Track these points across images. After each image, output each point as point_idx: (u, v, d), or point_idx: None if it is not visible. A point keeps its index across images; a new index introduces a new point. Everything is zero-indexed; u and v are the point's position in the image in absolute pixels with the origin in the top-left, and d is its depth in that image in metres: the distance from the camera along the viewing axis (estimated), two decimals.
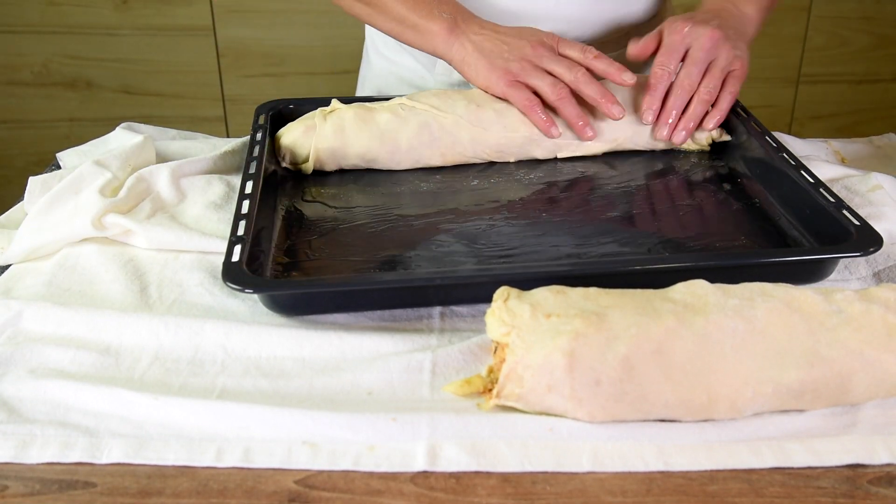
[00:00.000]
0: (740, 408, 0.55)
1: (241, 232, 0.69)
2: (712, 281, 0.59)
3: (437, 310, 0.67)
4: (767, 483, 0.51)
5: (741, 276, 0.60)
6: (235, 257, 0.66)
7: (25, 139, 2.11)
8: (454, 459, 0.52)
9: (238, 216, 0.72)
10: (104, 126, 1.02)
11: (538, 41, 0.86)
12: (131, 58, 2.02)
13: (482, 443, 0.53)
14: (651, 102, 0.86)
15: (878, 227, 0.69)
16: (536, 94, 0.86)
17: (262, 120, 0.90)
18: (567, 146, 0.88)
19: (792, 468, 0.52)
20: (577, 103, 0.85)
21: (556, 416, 0.55)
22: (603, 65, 0.85)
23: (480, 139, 0.87)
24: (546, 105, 0.86)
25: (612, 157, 0.90)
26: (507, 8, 0.98)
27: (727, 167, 0.87)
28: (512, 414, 0.56)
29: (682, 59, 0.86)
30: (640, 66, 1.09)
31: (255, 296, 0.67)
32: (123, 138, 0.93)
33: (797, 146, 0.93)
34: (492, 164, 0.89)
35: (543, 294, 0.58)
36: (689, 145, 0.90)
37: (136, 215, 0.78)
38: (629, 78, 0.85)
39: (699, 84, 0.85)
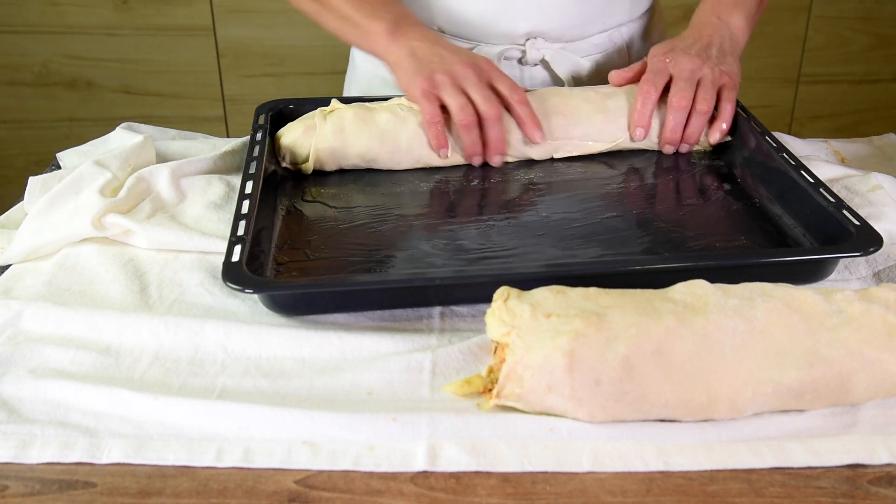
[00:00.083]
0: (740, 408, 0.55)
1: (241, 232, 0.69)
2: (712, 281, 0.59)
3: (437, 310, 0.67)
4: (767, 483, 0.51)
5: (741, 276, 0.60)
6: (235, 257, 0.66)
7: (25, 139, 2.11)
8: (454, 459, 0.52)
9: (238, 216, 0.72)
10: (104, 126, 1.02)
11: (471, 63, 0.85)
12: (131, 58, 2.02)
13: (482, 443, 0.53)
14: (640, 119, 0.87)
15: (878, 227, 0.69)
16: (448, 110, 0.85)
17: (262, 120, 0.90)
18: (563, 146, 0.88)
19: (792, 468, 0.52)
20: (482, 132, 0.85)
21: (556, 416, 0.55)
22: (523, 112, 0.85)
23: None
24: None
25: (612, 156, 0.90)
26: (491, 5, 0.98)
27: (727, 167, 0.87)
28: (512, 414, 0.56)
29: (668, 85, 0.87)
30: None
31: (255, 296, 0.67)
32: (123, 138, 0.93)
33: (797, 146, 0.93)
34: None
35: (543, 294, 0.58)
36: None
37: (136, 215, 0.78)
38: (539, 136, 0.85)
39: (693, 101, 0.86)
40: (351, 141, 0.86)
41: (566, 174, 0.86)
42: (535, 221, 0.77)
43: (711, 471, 0.52)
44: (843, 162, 0.93)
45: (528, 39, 1.00)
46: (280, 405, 0.56)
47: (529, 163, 0.89)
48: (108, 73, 2.04)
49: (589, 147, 0.89)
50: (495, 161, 0.86)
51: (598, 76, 1.03)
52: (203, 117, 2.09)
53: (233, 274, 0.64)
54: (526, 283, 0.60)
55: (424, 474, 0.52)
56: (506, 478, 0.52)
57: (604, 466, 0.52)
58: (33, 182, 0.82)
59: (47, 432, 0.55)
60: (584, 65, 1.02)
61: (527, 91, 0.96)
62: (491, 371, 0.58)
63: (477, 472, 0.52)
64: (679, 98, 0.86)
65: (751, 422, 0.55)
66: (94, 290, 0.70)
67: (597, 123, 0.88)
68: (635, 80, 0.90)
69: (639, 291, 0.58)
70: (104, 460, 0.53)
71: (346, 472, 0.52)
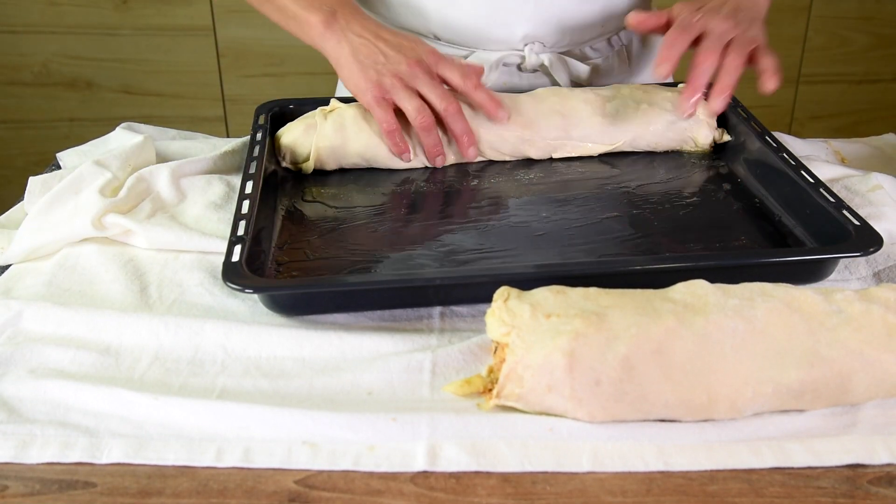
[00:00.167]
0: (740, 408, 0.55)
1: (241, 232, 0.69)
2: (712, 281, 0.59)
3: (437, 310, 0.67)
4: (767, 483, 0.51)
5: (741, 276, 0.60)
6: (235, 257, 0.66)
7: (25, 139, 2.11)
8: (454, 459, 0.52)
9: (238, 216, 0.72)
10: (104, 126, 1.02)
11: (416, 59, 0.82)
12: (131, 58, 2.02)
13: (482, 443, 0.53)
14: (667, 54, 0.83)
15: (878, 227, 0.69)
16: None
17: (262, 120, 0.90)
18: (562, 147, 0.88)
19: (792, 468, 0.52)
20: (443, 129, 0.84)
21: (556, 416, 0.55)
22: (481, 97, 0.83)
23: (477, 138, 0.87)
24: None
25: (612, 156, 0.90)
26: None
27: (727, 167, 0.87)
28: (512, 414, 0.56)
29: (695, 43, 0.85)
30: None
31: (255, 296, 0.67)
32: (123, 138, 0.93)
33: (797, 146, 0.93)
34: (491, 164, 0.89)
35: (543, 294, 0.58)
36: (691, 147, 0.90)
37: (136, 215, 0.78)
38: (503, 115, 0.84)
39: (723, 57, 0.83)
40: (351, 139, 0.86)
41: (565, 174, 0.86)
42: (534, 221, 0.77)
43: (711, 471, 0.52)
44: (843, 162, 0.93)
45: (526, 45, 0.99)
46: (280, 405, 0.56)
47: (528, 162, 0.89)
48: (108, 73, 2.04)
49: (588, 148, 0.89)
50: (470, 154, 0.85)
51: (598, 82, 1.03)
52: (203, 117, 2.09)
53: (233, 274, 0.64)
54: (526, 283, 0.60)
55: (424, 474, 0.52)
56: (506, 478, 0.52)
57: (604, 466, 0.52)
58: (33, 182, 0.82)
59: (47, 432, 0.55)
60: (584, 70, 1.02)
61: (527, 91, 0.96)
62: (491, 371, 0.58)
63: (477, 472, 0.52)
64: (707, 54, 0.82)
65: (751, 422, 0.55)
66: (94, 290, 0.70)
67: (596, 125, 0.88)
68: (656, 27, 0.89)
69: (639, 291, 0.58)
70: (104, 460, 0.53)
71: (346, 473, 0.52)
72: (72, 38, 2.00)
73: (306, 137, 0.86)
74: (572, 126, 0.88)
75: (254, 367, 0.61)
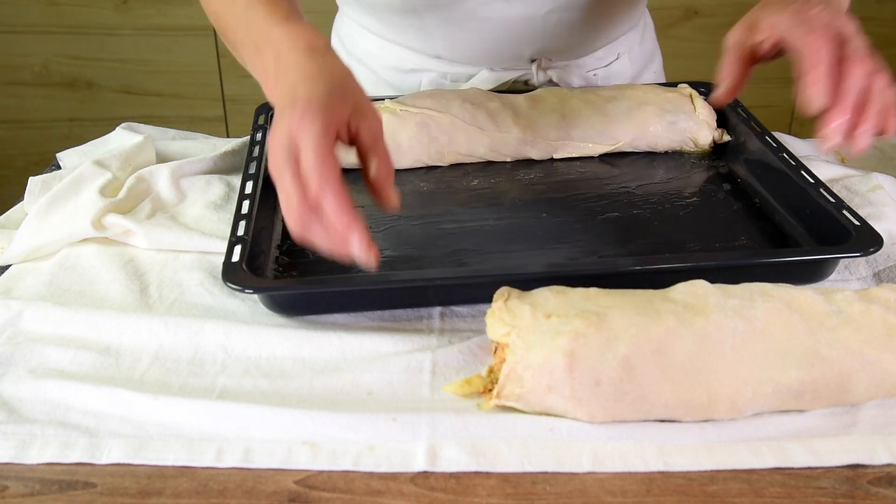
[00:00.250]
0: (740, 408, 0.55)
1: (241, 232, 0.69)
2: (712, 281, 0.59)
3: (437, 310, 0.67)
4: (767, 483, 0.51)
5: (741, 277, 0.60)
6: (235, 257, 0.66)
7: (25, 139, 2.11)
8: (454, 459, 0.52)
9: (238, 216, 0.72)
10: (104, 126, 1.02)
11: (276, 143, 0.57)
12: (131, 58, 2.02)
13: (482, 443, 0.53)
14: (818, 80, 0.65)
15: (878, 227, 0.69)
16: None
17: (261, 120, 0.90)
18: (563, 147, 0.88)
19: (792, 468, 0.52)
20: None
21: (556, 416, 0.55)
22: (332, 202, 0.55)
23: (476, 138, 0.87)
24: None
25: (613, 156, 0.90)
26: (497, 14, 0.95)
27: (727, 167, 0.87)
28: (512, 414, 0.56)
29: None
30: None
31: (255, 296, 0.67)
32: (123, 138, 0.93)
33: (797, 146, 0.93)
34: (491, 163, 0.89)
35: (543, 294, 0.58)
36: (691, 147, 0.90)
37: (136, 215, 0.78)
38: (395, 199, 0.61)
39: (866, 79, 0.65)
40: None
41: (566, 174, 0.86)
42: (534, 221, 0.77)
43: (711, 471, 0.52)
44: (842, 162, 0.93)
45: (532, 61, 0.99)
46: (280, 405, 0.56)
47: (529, 163, 0.89)
48: (108, 73, 2.04)
49: (588, 149, 0.89)
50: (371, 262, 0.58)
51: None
52: (203, 117, 2.09)
53: (233, 274, 0.64)
54: (526, 283, 0.60)
55: (424, 474, 0.52)
56: (506, 478, 0.52)
57: (604, 466, 0.52)
58: (33, 182, 0.82)
59: (47, 432, 0.55)
60: (590, 80, 1.02)
61: (533, 89, 0.97)
62: (491, 371, 0.58)
63: (477, 473, 0.52)
64: (860, 63, 0.64)
65: (751, 422, 0.55)
66: (94, 290, 0.70)
67: (596, 125, 0.88)
68: (743, 79, 0.74)
69: (639, 292, 0.58)
70: (104, 460, 0.53)
71: (346, 473, 0.52)
72: (72, 38, 2.00)
73: None
74: (573, 126, 0.88)
75: (254, 367, 0.61)
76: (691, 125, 0.89)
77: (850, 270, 0.71)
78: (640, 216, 0.78)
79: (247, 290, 0.64)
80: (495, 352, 0.58)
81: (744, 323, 0.55)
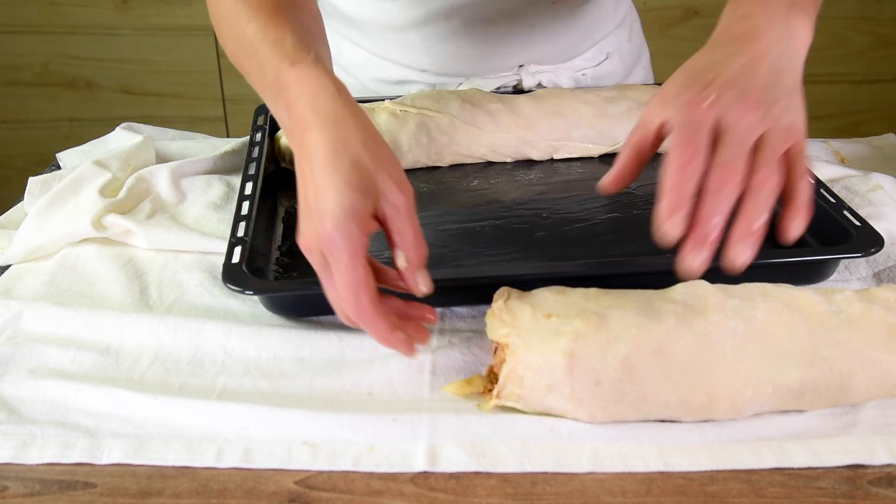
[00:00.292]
0: (740, 408, 0.55)
1: (241, 233, 0.69)
2: (713, 281, 0.59)
3: (437, 310, 0.67)
4: (767, 483, 0.51)
5: (742, 277, 0.60)
6: (235, 258, 0.66)
7: (25, 139, 2.11)
8: (454, 460, 0.52)
9: (238, 217, 0.72)
10: (104, 126, 1.02)
11: (307, 249, 0.56)
12: (131, 58, 2.02)
13: (482, 443, 0.53)
14: (673, 205, 0.53)
15: (878, 227, 0.69)
16: None
17: (261, 121, 0.90)
18: (563, 148, 0.88)
19: (792, 468, 0.52)
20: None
21: (556, 416, 0.55)
22: (371, 330, 0.55)
23: (476, 139, 0.87)
24: None
25: (613, 157, 0.89)
26: (482, 29, 0.94)
27: None
28: (512, 414, 0.56)
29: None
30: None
31: (256, 297, 0.67)
32: (123, 138, 0.93)
33: None
34: (491, 164, 0.89)
35: (544, 294, 0.58)
36: None
37: (136, 216, 0.78)
38: (426, 287, 0.57)
39: (750, 174, 0.54)
40: None
41: (566, 174, 0.86)
42: (535, 222, 0.77)
43: (711, 471, 0.52)
44: (842, 162, 0.93)
45: (521, 66, 0.98)
46: (280, 405, 0.56)
47: (529, 163, 0.89)
48: (108, 73, 2.04)
49: (589, 149, 0.89)
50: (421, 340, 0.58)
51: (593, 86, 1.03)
52: (203, 117, 2.09)
53: (233, 275, 0.64)
54: (526, 283, 0.60)
55: (424, 475, 0.52)
56: (506, 478, 0.52)
57: (604, 467, 0.52)
58: (33, 182, 0.82)
59: (47, 433, 0.55)
60: (581, 80, 1.02)
61: (526, 91, 0.96)
62: (491, 371, 0.58)
63: (477, 473, 0.52)
64: (724, 173, 0.52)
65: (751, 422, 0.55)
66: (94, 291, 0.70)
67: (597, 126, 0.88)
68: (639, 164, 0.61)
69: (639, 292, 0.58)
70: (104, 461, 0.53)
71: (346, 473, 0.52)
72: (72, 38, 2.00)
73: None
74: (573, 127, 0.88)
75: (254, 368, 0.61)
76: None
77: (851, 270, 0.71)
78: (640, 216, 0.78)
79: (247, 292, 0.64)
80: (495, 352, 0.58)
81: (744, 323, 0.55)
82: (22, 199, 0.82)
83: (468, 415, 0.55)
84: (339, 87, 0.59)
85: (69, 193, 0.79)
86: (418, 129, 0.86)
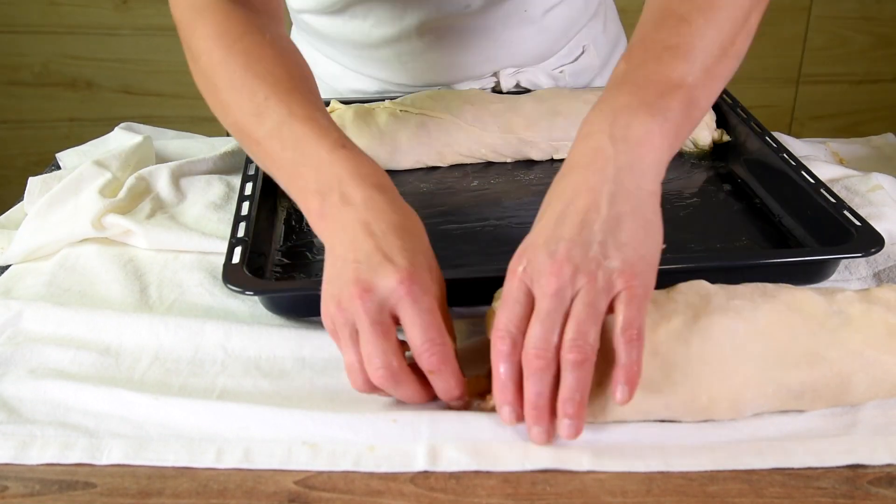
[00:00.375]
0: (740, 408, 0.55)
1: (241, 234, 0.69)
2: (713, 281, 0.59)
3: None
4: (767, 483, 0.51)
5: (742, 277, 0.60)
6: (236, 259, 0.66)
7: (25, 139, 2.11)
8: (454, 460, 0.52)
9: (238, 218, 0.72)
10: (104, 126, 1.02)
11: (367, 289, 0.53)
12: (131, 58, 2.02)
13: (482, 443, 0.53)
14: (504, 396, 0.52)
15: (878, 227, 0.69)
16: None
17: None
18: (563, 148, 0.88)
19: (792, 469, 0.52)
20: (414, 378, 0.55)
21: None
22: (440, 380, 0.54)
23: (476, 139, 0.87)
24: None
25: None
26: (454, 44, 0.94)
27: (727, 168, 0.87)
28: None
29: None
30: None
31: (256, 297, 0.67)
32: (123, 138, 0.93)
33: (797, 146, 0.93)
34: (491, 164, 0.89)
35: None
36: (691, 148, 0.90)
37: (135, 216, 0.78)
38: (457, 404, 0.56)
39: (560, 342, 0.51)
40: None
41: None
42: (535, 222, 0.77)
43: (711, 471, 0.52)
44: (840, 163, 0.93)
45: (498, 70, 0.98)
46: (280, 405, 0.56)
47: (529, 163, 0.89)
48: (108, 73, 2.04)
49: None
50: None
51: (574, 82, 1.03)
52: (203, 117, 2.07)
53: (233, 276, 0.64)
54: None
55: (424, 475, 0.52)
56: (506, 478, 0.52)
57: (604, 466, 0.52)
58: (33, 182, 0.82)
59: (47, 433, 0.55)
60: (558, 78, 1.02)
61: (525, 91, 0.96)
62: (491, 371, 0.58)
63: (477, 473, 0.52)
64: (535, 353, 0.51)
65: (751, 422, 0.55)
66: (94, 291, 0.70)
67: None
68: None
69: None
70: (104, 461, 0.53)
71: (346, 473, 0.52)
72: (72, 38, 2.00)
73: None
74: (573, 127, 0.88)
75: (254, 367, 0.61)
76: (705, 115, 0.89)
77: (851, 270, 0.71)
78: None
79: (247, 292, 0.64)
80: None
81: (744, 323, 0.55)
82: (22, 199, 0.82)
83: (468, 415, 0.55)
84: (391, 183, 0.61)
85: (69, 193, 0.79)
86: (418, 129, 0.86)
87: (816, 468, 0.52)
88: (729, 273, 0.63)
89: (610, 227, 0.52)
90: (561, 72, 1.02)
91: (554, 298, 0.51)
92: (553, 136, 0.88)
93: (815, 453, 0.53)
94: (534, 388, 0.51)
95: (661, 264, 0.67)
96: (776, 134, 0.89)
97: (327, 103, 0.90)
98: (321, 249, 0.73)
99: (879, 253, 0.67)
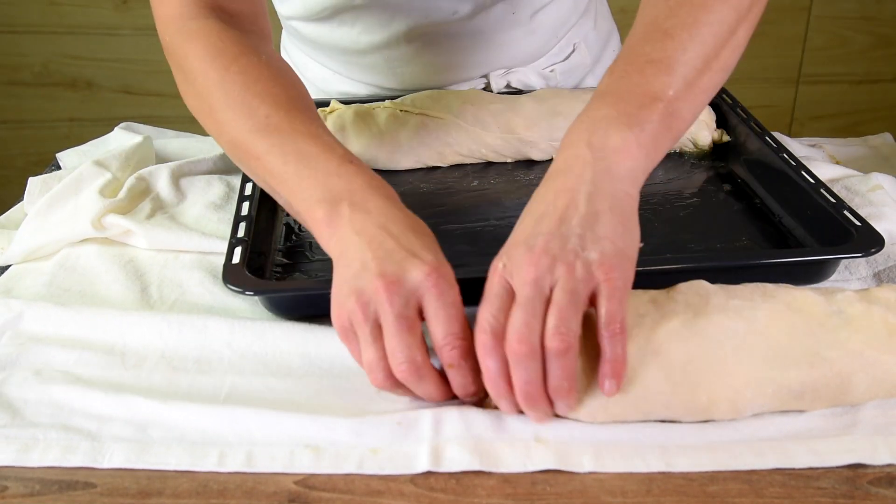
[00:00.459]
0: (740, 408, 0.55)
1: (241, 234, 0.69)
2: (713, 282, 0.59)
3: None
4: (767, 483, 0.51)
5: (742, 277, 0.60)
6: (236, 259, 0.66)
7: (25, 139, 2.11)
8: (457, 460, 0.52)
9: (238, 218, 0.72)
10: (104, 126, 1.02)
11: (393, 282, 0.54)
12: (131, 58, 2.02)
13: (484, 444, 0.53)
14: (497, 390, 0.53)
15: (878, 227, 0.69)
16: None
17: None
18: None
19: (792, 469, 0.52)
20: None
21: (557, 415, 0.55)
22: (458, 375, 0.54)
23: (477, 139, 0.87)
24: None
25: None
26: (445, 48, 0.94)
27: (727, 168, 0.87)
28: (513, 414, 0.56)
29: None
30: None
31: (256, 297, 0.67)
32: (123, 138, 0.93)
33: (797, 146, 0.93)
34: (491, 164, 0.89)
35: None
36: (691, 148, 0.90)
37: (135, 216, 0.78)
38: (470, 401, 0.57)
39: (542, 333, 0.51)
40: (351, 140, 0.86)
41: None
42: None
43: (711, 471, 0.52)
44: (836, 164, 0.93)
45: (489, 72, 0.98)
46: (284, 408, 0.56)
47: (529, 163, 0.89)
48: (108, 73, 2.04)
49: None
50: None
51: (565, 81, 1.03)
52: None
53: (233, 276, 0.64)
54: None
55: (425, 475, 0.52)
56: (506, 478, 0.52)
57: (604, 467, 0.52)
58: (33, 182, 0.82)
59: (49, 436, 0.55)
60: (549, 77, 1.02)
61: (516, 92, 0.96)
62: None
63: (477, 473, 0.52)
64: (517, 339, 0.51)
65: (751, 422, 0.55)
66: (94, 291, 0.70)
67: None
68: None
69: (640, 291, 0.58)
70: (105, 465, 0.53)
71: (346, 473, 0.52)
72: (72, 38, 2.00)
73: None
74: None
75: (261, 365, 0.61)
76: (691, 126, 0.89)
77: (851, 270, 0.71)
78: (640, 217, 0.78)
79: (247, 292, 0.64)
80: None
81: (744, 323, 0.55)
82: (22, 199, 0.82)
83: (471, 415, 0.55)
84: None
85: (69, 193, 0.79)
86: (418, 129, 0.86)
87: (816, 468, 0.52)
88: (729, 273, 0.63)
89: (588, 223, 0.54)
90: (552, 71, 1.02)
91: (533, 286, 0.52)
92: (553, 136, 0.88)
93: (816, 453, 0.53)
94: (521, 376, 0.52)
95: (661, 264, 0.67)
96: (776, 134, 0.89)
97: (327, 103, 0.90)
98: (320, 249, 0.73)
99: (879, 253, 0.67)
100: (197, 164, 0.87)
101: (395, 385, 0.55)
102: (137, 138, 0.90)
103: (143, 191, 0.82)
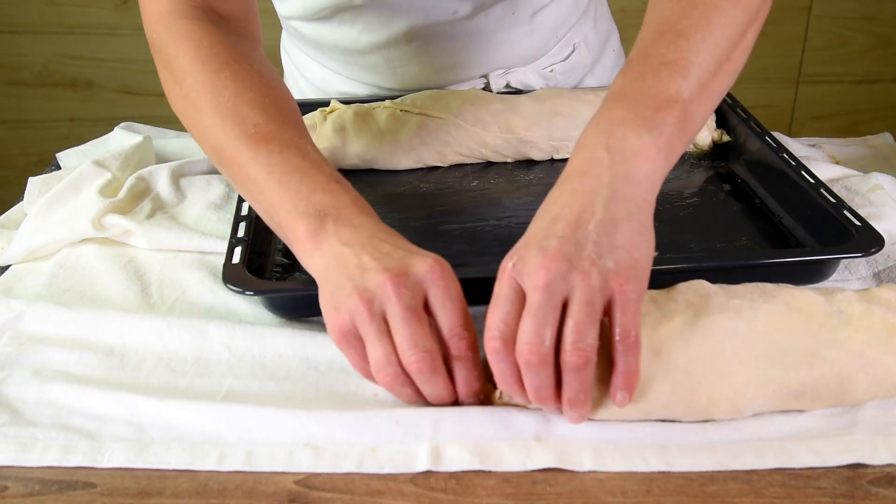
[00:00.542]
0: (740, 408, 0.55)
1: (241, 233, 0.69)
2: (713, 281, 0.59)
3: None
4: (767, 483, 0.51)
5: (742, 277, 0.60)
6: (236, 259, 0.66)
7: (25, 139, 2.11)
8: (457, 459, 0.52)
9: (238, 218, 0.72)
10: (104, 126, 1.02)
11: (399, 274, 0.54)
12: (131, 58, 2.02)
13: (484, 443, 0.53)
14: (510, 391, 0.53)
15: (878, 227, 0.69)
16: None
17: None
18: (564, 148, 0.88)
19: (792, 469, 0.52)
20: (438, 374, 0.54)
21: (557, 415, 0.55)
22: (464, 368, 0.54)
23: (477, 139, 0.87)
24: None
25: None
26: (444, 48, 0.95)
27: (727, 168, 0.87)
28: (513, 414, 0.56)
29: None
30: None
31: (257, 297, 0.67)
32: (123, 138, 0.93)
33: (797, 146, 0.93)
34: (491, 164, 0.89)
35: None
36: (690, 148, 0.90)
37: (135, 216, 0.78)
38: (471, 401, 0.56)
39: (560, 340, 0.50)
40: (351, 140, 0.86)
41: None
42: None
43: (712, 471, 0.52)
44: (836, 164, 0.93)
45: (489, 72, 0.99)
46: (284, 407, 0.56)
47: (529, 163, 0.89)
48: (108, 73, 2.04)
49: None
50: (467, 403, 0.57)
51: (564, 81, 1.03)
52: None
53: (233, 276, 0.64)
54: None
55: (425, 475, 0.52)
56: (506, 478, 0.52)
57: (604, 466, 0.52)
58: (33, 182, 0.82)
59: (49, 436, 0.55)
60: (548, 77, 1.02)
61: (524, 91, 0.96)
62: None
63: (477, 473, 0.52)
64: (528, 350, 0.50)
65: (751, 422, 0.55)
66: (94, 291, 0.70)
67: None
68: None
69: None
70: (105, 464, 0.53)
71: (346, 473, 0.52)
72: (72, 38, 2.00)
73: None
74: (573, 127, 0.88)
75: (259, 368, 0.61)
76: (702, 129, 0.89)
77: (851, 270, 0.71)
78: None
79: (247, 292, 0.64)
80: None
81: (744, 323, 0.55)
82: (22, 199, 0.82)
83: (470, 415, 0.55)
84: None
85: (69, 193, 0.79)
86: (418, 129, 0.86)
87: (816, 468, 0.52)
88: (729, 273, 0.63)
89: (605, 230, 0.52)
90: (551, 70, 1.02)
91: (544, 291, 0.50)
92: (553, 136, 0.88)
93: (816, 453, 0.53)
94: (532, 383, 0.51)
95: (661, 264, 0.67)
96: (776, 134, 0.89)
97: (326, 103, 0.90)
98: None
99: (879, 253, 0.67)
100: (197, 164, 0.87)
101: (404, 383, 0.54)
102: (137, 138, 0.90)
103: (142, 191, 0.82)
